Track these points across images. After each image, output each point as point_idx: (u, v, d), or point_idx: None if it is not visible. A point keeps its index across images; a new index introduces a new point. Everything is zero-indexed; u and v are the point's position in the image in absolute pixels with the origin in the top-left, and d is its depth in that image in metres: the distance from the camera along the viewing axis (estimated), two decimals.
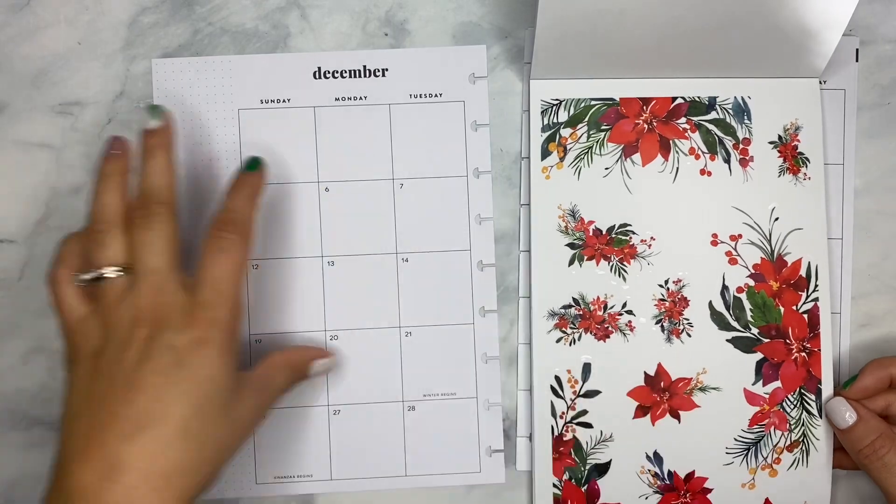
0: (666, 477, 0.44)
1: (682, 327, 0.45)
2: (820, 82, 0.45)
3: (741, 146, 0.45)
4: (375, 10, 0.46)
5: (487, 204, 0.46)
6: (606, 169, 0.45)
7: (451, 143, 0.45)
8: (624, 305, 0.45)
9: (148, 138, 0.39)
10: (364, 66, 0.45)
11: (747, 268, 0.45)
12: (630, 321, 0.45)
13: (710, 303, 0.45)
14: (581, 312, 0.45)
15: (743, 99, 0.45)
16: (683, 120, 0.45)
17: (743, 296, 0.45)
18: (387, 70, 0.45)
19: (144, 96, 0.45)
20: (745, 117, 0.45)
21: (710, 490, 0.44)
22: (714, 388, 0.44)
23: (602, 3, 0.40)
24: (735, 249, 0.45)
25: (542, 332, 0.44)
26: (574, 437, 0.44)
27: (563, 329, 0.44)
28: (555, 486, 0.44)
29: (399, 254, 0.45)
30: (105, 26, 0.45)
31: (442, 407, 0.45)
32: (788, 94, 0.45)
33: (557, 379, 0.44)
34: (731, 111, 0.45)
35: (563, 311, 0.44)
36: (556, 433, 0.44)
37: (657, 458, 0.44)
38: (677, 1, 0.41)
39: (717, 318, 0.45)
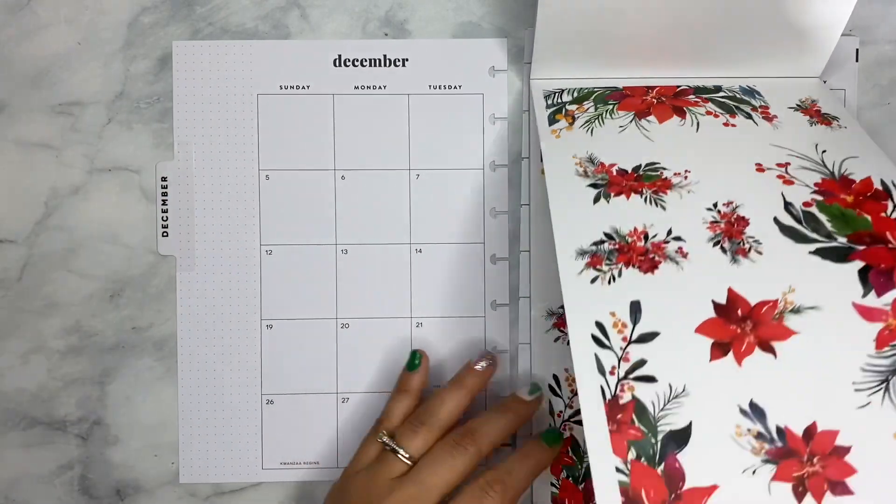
0: (775, 436, 0.31)
1: (748, 246, 0.35)
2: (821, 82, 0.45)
3: (760, 110, 0.41)
4: (375, 10, 0.46)
5: (503, 197, 0.46)
6: (621, 127, 0.41)
7: (468, 136, 0.45)
8: (669, 233, 0.36)
9: (516, 402, 0.42)
10: (385, 56, 0.45)
11: (808, 186, 0.36)
12: (681, 247, 0.35)
13: (776, 218, 0.36)
14: (617, 246, 0.35)
15: (749, 86, 0.44)
16: (693, 96, 0.43)
17: (813, 209, 0.36)
18: (407, 60, 0.45)
19: (144, 96, 0.45)
20: (756, 94, 0.43)
21: (847, 449, 0.31)
22: (811, 308, 0.33)
23: (601, 2, 0.40)
24: (787, 173, 0.37)
25: (572, 274, 0.35)
26: (634, 397, 0.32)
27: (598, 267, 0.35)
28: (619, 470, 0.31)
29: (413, 244, 0.45)
30: (105, 26, 0.45)
31: None
32: (793, 89, 0.44)
33: (601, 325, 0.34)
34: (739, 92, 0.43)
35: (594, 247, 0.36)
36: (608, 396, 0.32)
37: (756, 411, 0.32)
38: (676, 0, 0.41)
39: (789, 231, 0.35)
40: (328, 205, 0.45)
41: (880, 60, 0.46)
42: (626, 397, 0.32)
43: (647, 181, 0.38)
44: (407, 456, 0.39)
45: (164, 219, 0.45)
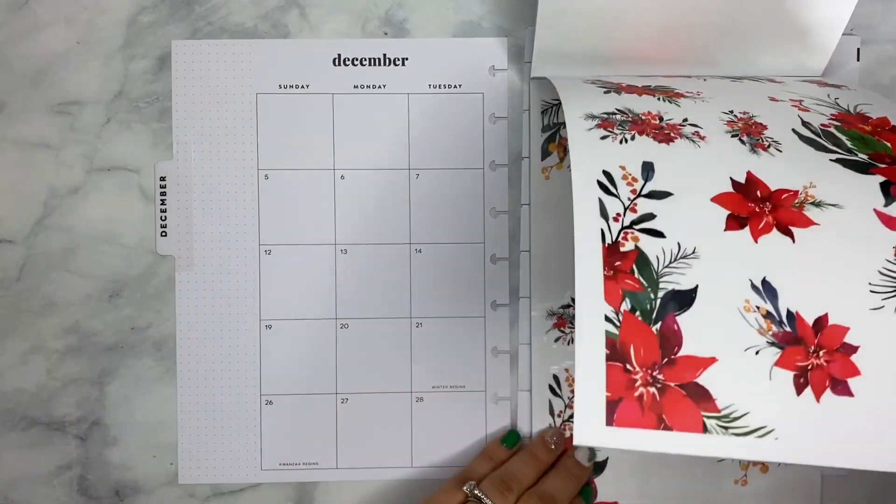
0: (785, 319, 0.29)
1: (767, 143, 0.34)
2: None
3: (766, 79, 0.40)
4: (375, 10, 0.46)
5: (503, 197, 0.45)
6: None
7: (468, 135, 0.45)
8: (685, 120, 0.34)
9: (577, 467, 0.43)
10: (384, 55, 0.45)
11: (825, 115, 0.35)
12: (697, 131, 0.34)
13: (794, 129, 0.34)
14: (630, 119, 0.34)
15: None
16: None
17: (832, 129, 0.35)
18: (406, 59, 0.45)
19: (143, 96, 0.45)
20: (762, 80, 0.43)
21: (854, 348, 0.29)
22: (833, 205, 0.32)
23: (601, 1, 0.40)
24: (801, 104, 0.36)
25: (580, 130, 0.33)
26: (637, 247, 0.30)
27: (609, 129, 0.33)
28: (608, 319, 0.28)
29: (412, 244, 0.45)
30: (104, 25, 0.45)
31: (450, 399, 0.45)
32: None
33: (609, 174, 0.31)
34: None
35: (605, 115, 0.34)
36: (608, 240, 0.30)
37: (768, 290, 0.30)
38: (676, 0, 0.41)
39: (809, 141, 0.34)
40: (328, 205, 0.45)
41: (881, 60, 0.46)
42: (628, 245, 0.30)
43: (660, 91, 0.37)
44: None
45: (163, 219, 0.45)
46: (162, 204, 0.45)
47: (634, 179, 0.31)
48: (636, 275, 0.29)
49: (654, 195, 0.31)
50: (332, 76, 0.45)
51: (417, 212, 0.45)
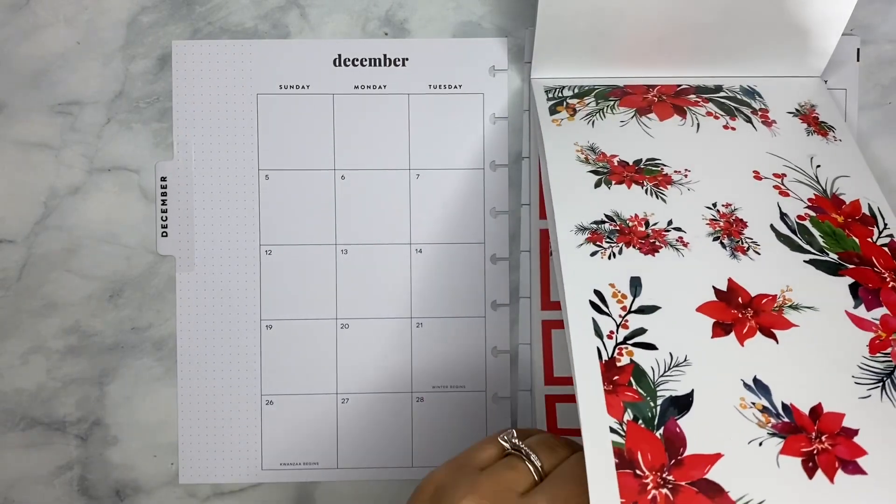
0: (781, 412, 0.31)
1: (746, 245, 0.36)
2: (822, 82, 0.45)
3: (759, 113, 0.42)
4: (375, 10, 0.46)
5: (503, 197, 0.46)
6: (622, 122, 0.41)
7: (468, 135, 0.45)
8: (670, 223, 0.36)
9: None
10: (384, 55, 0.45)
11: (802, 200, 0.38)
12: (681, 237, 0.36)
13: (772, 225, 0.37)
14: (618, 228, 0.36)
15: (749, 86, 0.44)
16: (693, 96, 0.43)
17: (807, 223, 0.37)
18: (407, 59, 0.45)
19: (144, 96, 0.45)
20: (756, 96, 0.43)
21: (854, 431, 0.30)
22: (809, 308, 0.34)
23: (602, 1, 0.40)
24: (783, 184, 0.38)
25: (571, 246, 0.35)
26: (632, 360, 0.32)
27: (598, 243, 0.35)
28: (613, 430, 0.30)
29: (413, 244, 0.45)
30: (104, 26, 0.45)
31: (450, 399, 0.45)
32: (793, 89, 0.44)
33: (600, 293, 0.34)
34: (739, 92, 0.43)
35: (594, 225, 0.36)
36: (605, 357, 0.32)
37: (760, 387, 0.32)
38: (677, 0, 0.41)
39: (785, 240, 0.36)
40: (328, 205, 0.45)
41: (881, 60, 0.46)
42: (623, 360, 0.32)
43: (648, 174, 0.38)
44: (539, 465, 0.32)
45: (164, 219, 0.45)
46: (163, 204, 0.45)
47: (624, 297, 0.34)
48: (634, 386, 0.31)
49: (643, 310, 0.33)
50: (332, 76, 0.45)
51: (417, 212, 0.45)
